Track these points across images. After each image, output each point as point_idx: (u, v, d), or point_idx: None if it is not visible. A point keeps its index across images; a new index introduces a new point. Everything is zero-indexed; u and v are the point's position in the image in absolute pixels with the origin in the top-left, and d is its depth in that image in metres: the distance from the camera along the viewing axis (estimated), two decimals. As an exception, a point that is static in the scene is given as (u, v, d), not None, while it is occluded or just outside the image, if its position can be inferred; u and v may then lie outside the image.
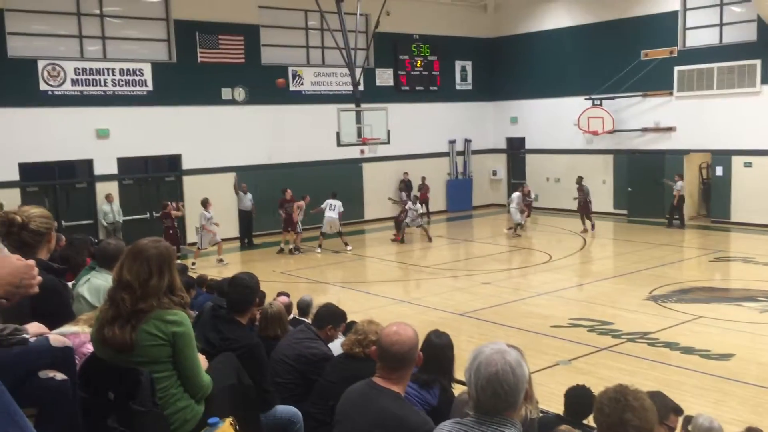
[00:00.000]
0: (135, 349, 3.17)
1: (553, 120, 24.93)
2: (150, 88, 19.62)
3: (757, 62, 19.97)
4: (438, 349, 4.24)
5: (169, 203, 18.41)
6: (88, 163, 18.97)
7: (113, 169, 19.28)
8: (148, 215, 19.72)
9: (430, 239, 20.16)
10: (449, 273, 16.46)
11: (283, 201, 19.13)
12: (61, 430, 2.91)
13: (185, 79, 20.00)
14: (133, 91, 19.41)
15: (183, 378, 3.29)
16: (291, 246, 19.20)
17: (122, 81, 19.24)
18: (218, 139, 20.66)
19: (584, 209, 20.74)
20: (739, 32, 20.68)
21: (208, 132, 20.47)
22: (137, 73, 19.45)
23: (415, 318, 11.45)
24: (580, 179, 21.15)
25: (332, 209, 19.17)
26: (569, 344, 10.57)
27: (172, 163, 20.45)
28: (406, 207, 20.18)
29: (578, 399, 4.65)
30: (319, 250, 19.10)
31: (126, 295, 3.19)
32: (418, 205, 20.48)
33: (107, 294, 3.33)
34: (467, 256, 18.81)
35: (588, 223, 20.77)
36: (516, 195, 21.03)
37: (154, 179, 20.30)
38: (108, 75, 19.04)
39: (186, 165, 20.37)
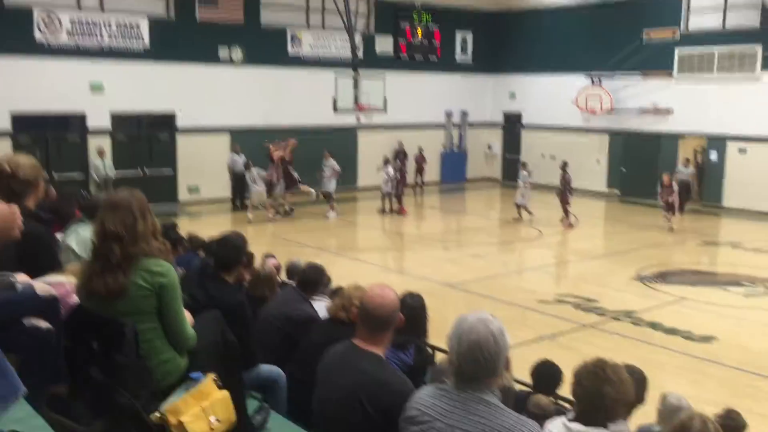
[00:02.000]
0: (123, 298, 3.19)
1: (552, 97, 24.82)
2: (146, 43, 19.38)
3: (758, 48, 19.88)
4: (412, 310, 4.32)
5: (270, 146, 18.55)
6: (81, 117, 18.81)
7: (106, 124, 19.13)
8: (140, 172, 19.61)
9: (400, 211, 19.48)
10: (440, 244, 16.51)
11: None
12: (44, 378, 2.93)
13: (182, 36, 19.75)
14: (129, 46, 19.17)
15: (168, 330, 3.32)
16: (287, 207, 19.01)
17: (118, 34, 18.99)
18: (213, 99, 20.48)
19: (563, 198, 18.41)
20: (743, 17, 20.53)
21: (203, 91, 20.28)
22: (134, 27, 19.19)
23: (403, 287, 11.34)
24: (564, 164, 19.00)
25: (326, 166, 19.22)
26: (554, 320, 10.66)
27: (166, 120, 20.28)
28: (385, 172, 19.32)
29: (546, 373, 4.72)
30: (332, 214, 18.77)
31: (114, 244, 3.21)
32: (390, 169, 19.37)
33: (92, 249, 3.34)
34: (459, 229, 18.84)
35: (567, 213, 18.36)
36: (524, 174, 19.03)
37: (147, 137, 20.15)
38: (104, 27, 18.79)
39: (180, 123, 20.21)
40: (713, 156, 21.20)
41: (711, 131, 21.08)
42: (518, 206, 18.73)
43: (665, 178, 17.94)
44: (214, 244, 4.53)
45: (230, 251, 4.44)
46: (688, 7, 21.59)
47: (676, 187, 17.65)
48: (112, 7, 18.94)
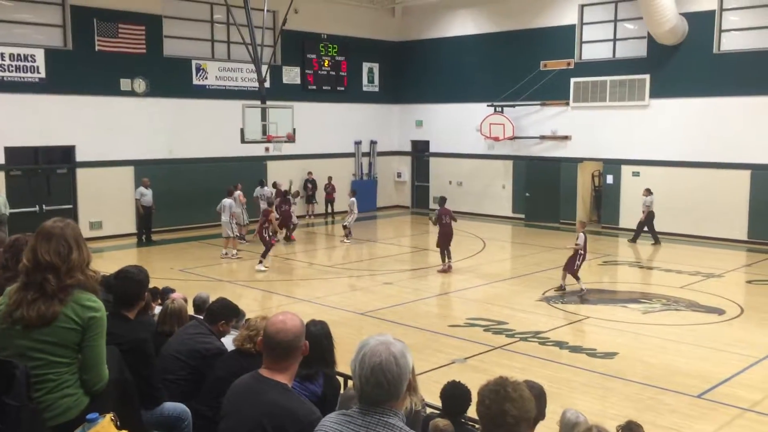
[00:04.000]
0: (48, 327, 3.14)
1: (457, 125, 25.50)
2: (42, 75, 18.68)
3: (647, 77, 21.12)
4: (317, 338, 4.25)
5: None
6: (-28, 152, 17.89)
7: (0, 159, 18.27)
8: (37, 208, 18.76)
9: (287, 238, 19.71)
10: (351, 273, 16.53)
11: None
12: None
13: (81, 68, 19.18)
14: (23, 77, 18.43)
15: (86, 366, 3.27)
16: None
17: (12, 66, 18.23)
18: (116, 131, 19.93)
19: (444, 240, 16.16)
20: (632, 48, 21.80)
21: (105, 123, 19.72)
22: (29, 59, 18.48)
23: (315, 317, 11.41)
24: (442, 200, 17.03)
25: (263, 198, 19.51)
26: (465, 343, 10.83)
27: (65, 154, 19.55)
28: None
29: (454, 395, 4.77)
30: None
31: (50, 274, 3.17)
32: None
33: (22, 279, 3.25)
34: (370, 257, 18.92)
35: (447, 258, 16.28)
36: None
37: (45, 171, 19.34)
38: (-4, 59, 18.01)
39: (80, 157, 19.52)
40: (609, 179, 22.23)
41: (606, 156, 22.14)
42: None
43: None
44: (112, 279, 4.36)
45: (130, 286, 4.29)
46: (581, 39, 22.73)
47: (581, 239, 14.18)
48: (6, 39, 18.19)
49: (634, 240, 19.90)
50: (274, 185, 21.11)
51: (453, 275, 16.00)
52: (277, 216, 18.50)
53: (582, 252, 13.97)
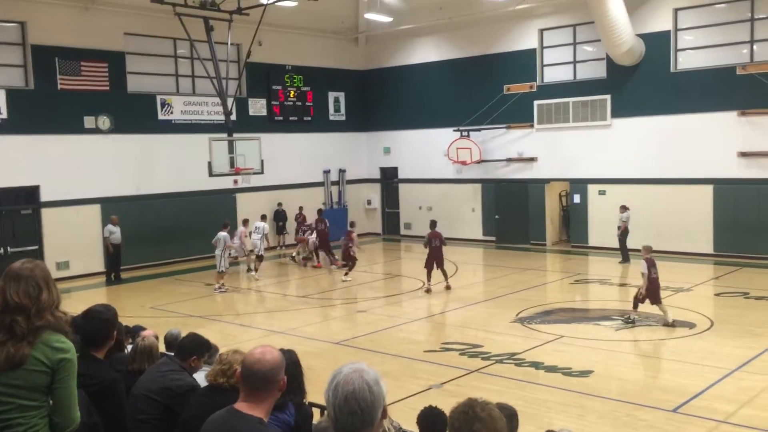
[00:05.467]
0: (18, 370, 3.08)
1: (425, 150, 25.70)
2: (4, 116, 18.46)
3: (608, 97, 21.54)
4: (286, 368, 4.20)
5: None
6: (-67, 196, 17.54)
7: (-38, 202, 17.95)
8: (1, 251, 18.41)
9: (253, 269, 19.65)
10: (325, 302, 16.44)
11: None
12: None
13: (44, 107, 19.00)
14: (-16, 118, 18.19)
15: (57, 409, 3.20)
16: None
17: (-28, 108, 18.00)
18: (82, 170, 19.72)
19: (431, 261, 16.59)
20: (592, 69, 22.25)
21: (70, 162, 19.51)
22: (-10, 99, 18.27)
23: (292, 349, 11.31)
24: (433, 223, 17.26)
25: (258, 232, 19.72)
26: (442, 368, 10.80)
27: (30, 194, 19.26)
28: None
29: (430, 420, 4.76)
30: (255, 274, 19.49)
31: (19, 316, 3.12)
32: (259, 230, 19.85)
33: None
34: (344, 285, 18.84)
35: (440, 276, 16.80)
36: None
37: (9, 212, 19.01)
38: (-44, 101, 17.78)
39: (45, 197, 19.25)
40: (576, 199, 22.52)
41: (572, 176, 22.45)
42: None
43: None
44: (79, 319, 4.29)
45: (98, 326, 4.20)
46: (542, 62, 23.14)
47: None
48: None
49: (626, 260, 19.31)
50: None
51: (427, 299, 16.01)
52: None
53: (653, 277, 12.73)
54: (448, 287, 16.76)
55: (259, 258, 19.46)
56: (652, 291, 12.75)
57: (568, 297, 16.34)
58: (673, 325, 12.58)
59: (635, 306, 12.97)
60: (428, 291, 16.56)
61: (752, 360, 10.60)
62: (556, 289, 17.34)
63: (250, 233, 19.80)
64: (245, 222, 20.04)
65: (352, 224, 20.30)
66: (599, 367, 10.54)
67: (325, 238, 20.93)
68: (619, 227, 19.75)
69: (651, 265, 12.83)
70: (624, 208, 19.74)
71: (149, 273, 20.30)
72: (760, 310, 13.98)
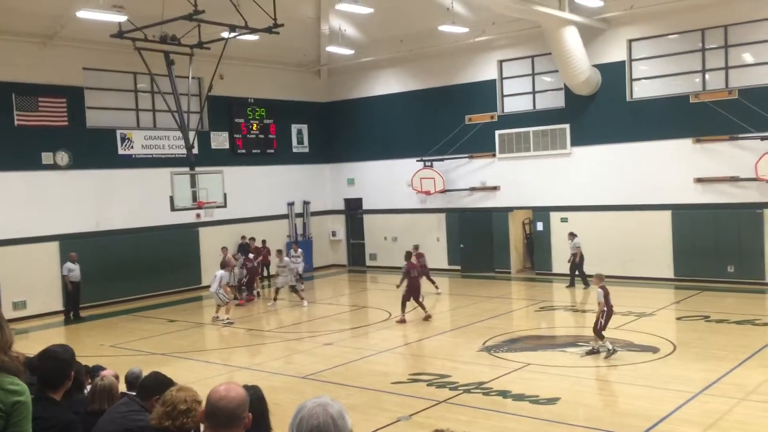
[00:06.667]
0: None
1: (388, 181, 25.80)
2: (-41, 152, 18.08)
3: (567, 126, 21.94)
4: (251, 404, 4.09)
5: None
6: None
7: None
8: (-45, 291, 17.88)
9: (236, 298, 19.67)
10: (291, 336, 16.25)
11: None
12: None
13: (0, 144, 18.64)
14: (-62, 155, 17.78)
15: None
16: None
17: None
18: (38, 207, 19.34)
19: (410, 292, 16.74)
20: (550, 99, 22.68)
21: (27, 199, 19.13)
22: (-57, 136, 17.89)
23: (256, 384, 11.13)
24: (408, 255, 17.49)
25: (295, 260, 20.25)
26: (409, 399, 10.72)
27: (-15, 232, 18.80)
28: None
29: None
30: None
31: None
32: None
33: None
34: (309, 318, 18.67)
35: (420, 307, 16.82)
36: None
37: (-36, 251, 18.52)
38: None
39: (1, 235, 18.77)
40: (539, 227, 22.76)
41: (535, 204, 22.72)
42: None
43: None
44: (35, 360, 4.15)
45: (55, 366, 4.06)
46: (502, 93, 23.52)
47: None
48: None
49: (572, 284, 20.13)
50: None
51: (394, 330, 15.92)
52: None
53: (605, 309, 12.63)
54: (427, 317, 16.57)
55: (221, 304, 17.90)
56: (608, 319, 12.67)
57: (533, 324, 16.41)
58: (614, 351, 12.46)
59: (600, 336, 12.67)
60: (402, 321, 16.41)
61: (715, 383, 10.73)
62: (521, 317, 17.41)
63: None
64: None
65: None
66: (566, 394, 10.56)
67: (254, 274, 21.17)
68: (574, 254, 19.92)
69: (606, 293, 12.70)
70: (572, 235, 20.04)
71: (110, 311, 19.89)
72: (721, 333, 14.21)
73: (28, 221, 19.10)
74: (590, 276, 17.13)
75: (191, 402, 4.07)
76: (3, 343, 3.12)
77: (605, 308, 12.60)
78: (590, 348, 12.90)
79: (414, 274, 16.79)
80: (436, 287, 20.20)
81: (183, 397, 4.04)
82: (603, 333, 12.67)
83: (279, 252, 20.34)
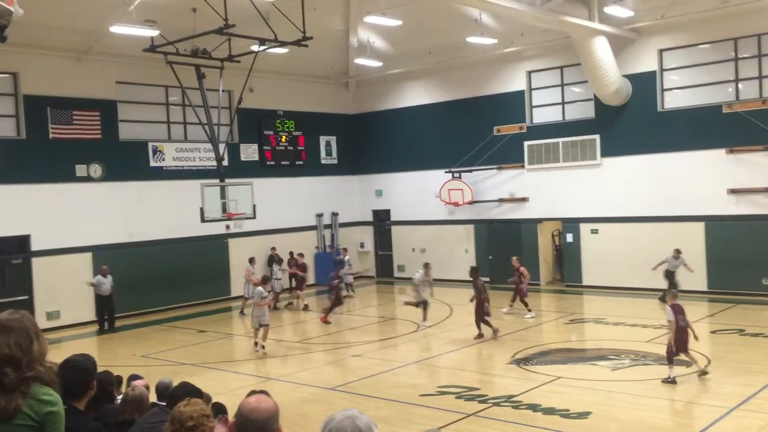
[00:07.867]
0: (6, 424, 2.98)
1: (416, 192, 25.78)
2: (-5, 165, 18.49)
3: (597, 137, 21.75)
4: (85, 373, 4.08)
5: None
6: None
7: (-48, 252, 17.82)
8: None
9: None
10: (319, 347, 16.27)
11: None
12: None
13: (35, 156, 19.05)
14: (-24, 168, 18.19)
15: None
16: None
17: (-36, 158, 18.01)
18: (72, 218, 19.68)
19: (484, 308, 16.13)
20: (580, 110, 22.51)
21: (61, 210, 19.48)
22: (-19, 149, 18.30)
23: (285, 395, 11.18)
24: (474, 270, 17.44)
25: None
26: (438, 412, 10.65)
27: (21, 244, 19.15)
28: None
29: None
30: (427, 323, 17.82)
31: (9, 368, 3.04)
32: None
33: None
34: (337, 329, 18.68)
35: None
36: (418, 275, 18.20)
37: (-1, 262, 18.90)
38: (-53, 151, 17.79)
39: (36, 246, 19.14)
40: (569, 238, 22.55)
41: (564, 215, 22.52)
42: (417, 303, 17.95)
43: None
44: (58, 370, 4.19)
45: (77, 376, 4.06)
46: (531, 104, 23.42)
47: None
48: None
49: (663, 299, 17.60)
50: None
51: (421, 342, 15.85)
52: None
53: (680, 325, 11.64)
54: (495, 332, 15.80)
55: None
56: (680, 340, 11.61)
57: (563, 337, 16.22)
58: (706, 372, 11.68)
59: (671, 361, 11.53)
60: (481, 336, 15.75)
61: (751, 398, 10.51)
62: (551, 329, 17.23)
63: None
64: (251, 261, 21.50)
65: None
66: (597, 408, 10.41)
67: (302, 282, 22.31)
68: (672, 271, 18.62)
69: (678, 311, 11.71)
70: (678, 252, 18.68)
71: (142, 321, 20.12)
72: (757, 347, 13.92)
73: (62, 232, 19.43)
74: (642, 289, 15.93)
75: (198, 417, 3.96)
76: (38, 354, 3.17)
77: (676, 328, 11.50)
78: (668, 377, 11.50)
79: (485, 296, 15.94)
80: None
81: (189, 414, 3.93)
82: (674, 357, 11.51)
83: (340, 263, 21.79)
